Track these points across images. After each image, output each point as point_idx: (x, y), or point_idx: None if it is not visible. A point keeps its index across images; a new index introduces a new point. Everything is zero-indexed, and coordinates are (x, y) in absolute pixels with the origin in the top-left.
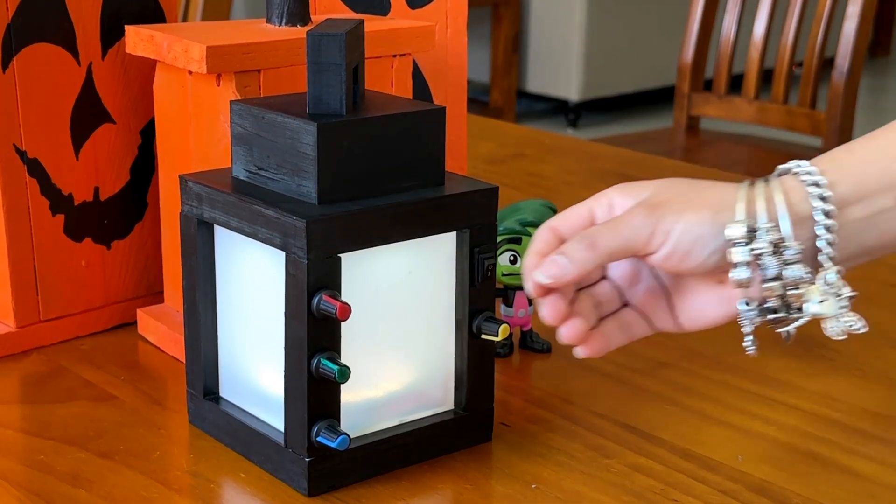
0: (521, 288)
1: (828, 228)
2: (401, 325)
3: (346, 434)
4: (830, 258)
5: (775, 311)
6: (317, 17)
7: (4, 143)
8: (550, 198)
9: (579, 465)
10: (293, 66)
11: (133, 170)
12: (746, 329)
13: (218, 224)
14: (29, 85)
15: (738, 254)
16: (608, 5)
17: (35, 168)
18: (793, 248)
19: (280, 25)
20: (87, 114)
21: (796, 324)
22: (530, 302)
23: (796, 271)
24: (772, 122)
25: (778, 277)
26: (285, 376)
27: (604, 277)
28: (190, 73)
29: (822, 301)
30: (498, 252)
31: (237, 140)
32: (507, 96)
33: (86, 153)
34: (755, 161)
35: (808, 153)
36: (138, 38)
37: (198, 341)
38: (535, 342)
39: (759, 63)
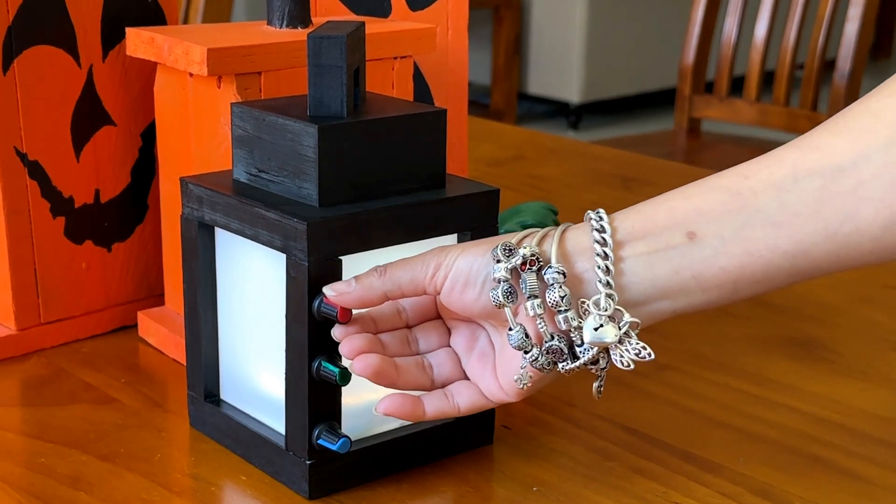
0: None
1: (602, 256)
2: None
3: (346, 437)
4: (604, 284)
5: (561, 354)
6: (317, 20)
7: (5, 146)
8: (551, 200)
9: (580, 468)
10: (294, 69)
11: (134, 172)
12: (525, 376)
13: (219, 226)
14: (29, 87)
15: (498, 270)
16: (609, 7)
17: (36, 170)
18: (554, 269)
19: (281, 27)
20: (88, 116)
21: (581, 360)
22: None
23: (557, 292)
24: (773, 125)
25: (534, 296)
26: (286, 379)
27: (446, 346)
28: (191, 75)
29: (598, 328)
30: None
31: (238, 142)
32: (507, 98)
33: (86, 155)
34: None
35: None
36: (139, 41)
37: (198, 344)
38: None
39: (760, 65)
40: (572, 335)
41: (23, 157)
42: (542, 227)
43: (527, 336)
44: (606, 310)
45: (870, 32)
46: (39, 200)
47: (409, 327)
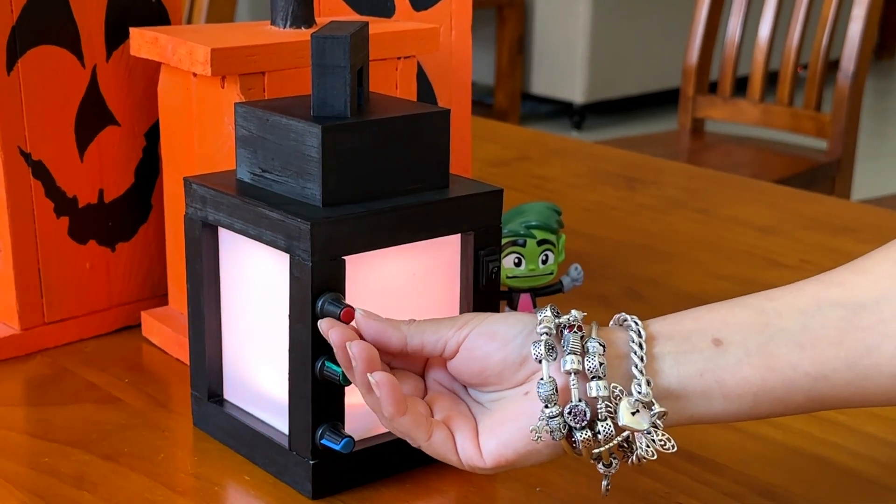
0: (525, 291)
1: (640, 346)
2: None
3: (350, 437)
4: (641, 371)
5: (583, 418)
6: (321, 20)
7: (9, 146)
8: (555, 200)
9: (583, 468)
10: (297, 69)
11: (137, 172)
12: (541, 429)
13: (222, 226)
14: (33, 87)
15: (543, 324)
16: (613, 7)
17: (39, 170)
18: (595, 339)
19: (284, 28)
20: (92, 116)
21: (607, 445)
22: (535, 305)
23: (596, 359)
24: (777, 125)
25: (574, 353)
26: (289, 379)
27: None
28: (194, 75)
29: (633, 413)
30: (502, 255)
31: (241, 142)
32: (511, 98)
33: (90, 155)
34: (760, 163)
35: (813, 155)
36: (143, 41)
37: (202, 344)
38: None
39: (764, 65)
40: (598, 407)
41: (27, 156)
42: (546, 227)
43: (555, 392)
44: (647, 396)
45: (873, 32)
46: (43, 200)
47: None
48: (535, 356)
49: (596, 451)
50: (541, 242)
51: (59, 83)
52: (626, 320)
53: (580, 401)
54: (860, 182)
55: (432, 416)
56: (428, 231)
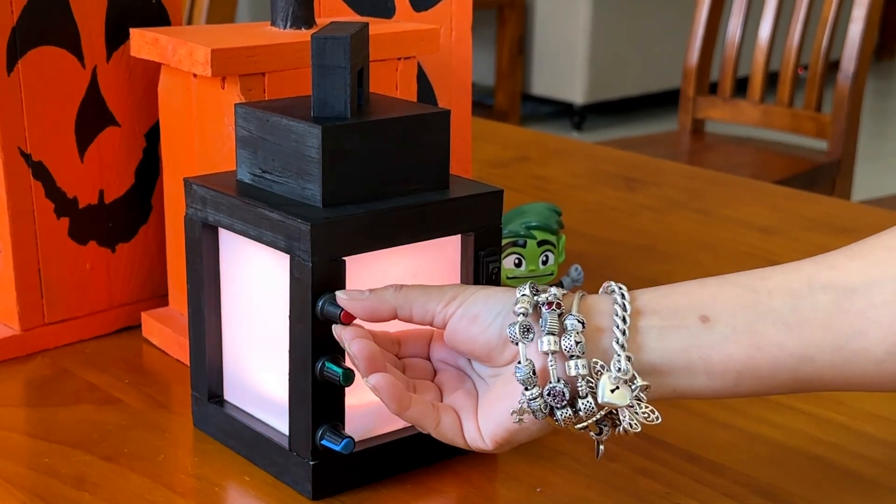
0: None
1: (623, 319)
2: (404, 328)
3: (350, 437)
4: (622, 346)
5: (562, 398)
6: (321, 20)
7: (9, 146)
8: (555, 201)
9: (584, 469)
10: (298, 69)
11: (138, 173)
12: (521, 411)
13: (222, 227)
14: (34, 88)
15: (520, 303)
16: (613, 8)
17: (40, 171)
18: (574, 316)
19: (284, 28)
20: (92, 117)
21: (589, 421)
22: None
23: (573, 337)
24: (777, 125)
25: (552, 333)
26: (289, 379)
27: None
28: (194, 76)
29: (613, 389)
30: (502, 255)
31: (241, 143)
32: (511, 99)
33: (90, 156)
34: (760, 164)
35: (813, 156)
36: (143, 41)
37: (202, 344)
38: None
39: (764, 66)
40: (578, 384)
41: (27, 157)
42: (546, 228)
43: (533, 374)
44: (626, 373)
45: (874, 33)
46: (43, 201)
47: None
48: (511, 338)
49: (579, 426)
50: (541, 243)
51: (59, 84)
52: (613, 291)
53: (558, 380)
54: (860, 183)
55: (442, 398)
56: (428, 232)
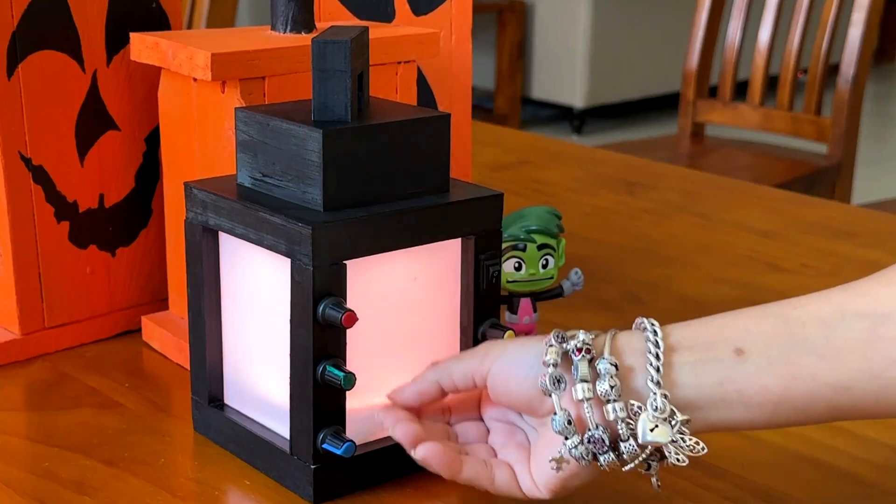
0: (525, 295)
1: (656, 356)
2: (406, 331)
3: (351, 441)
4: (656, 383)
5: (603, 444)
6: (321, 24)
7: (10, 151)
8: (555, 204)
9: None
10: (298, 73)
11: (138, 177)
12: (561, 460)
13: (223, 231)
14: (34, 92)
15: (549, 353)
16: (613, 12)
17: (40, 175)
18: (606, 360)
19: (285, 32)
20: (92, 121)
21: (638, 459)
22: (535, 309)
23: (608, 382)
24: (777, 129)
25: (585, 381)
26: (290, 383)
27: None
28: (195, 80)
29: (653, 428)
30: (502, 259)
31: (242, 147)
32: (511, 103)
33: (91, 160)
34: (760, 167)
35: (813, 160)
36: (143, 46)
37: (202, 348)
38: None
39: (764, 69)
40: (618, 427)
41: (27, 161)
42: (547, 232)
43: (569, 423)
44: (664, 411)
45: (873, 37)
46: (44, 205)
47: (449, 424)
48: (542, 388)
49: (625, 468)
50: (541, 247)
51: (59, 88)
52: (645, 328)
53: (597, 427)
54: (860, 186)
55: (496, 457)
56: (429, 235)
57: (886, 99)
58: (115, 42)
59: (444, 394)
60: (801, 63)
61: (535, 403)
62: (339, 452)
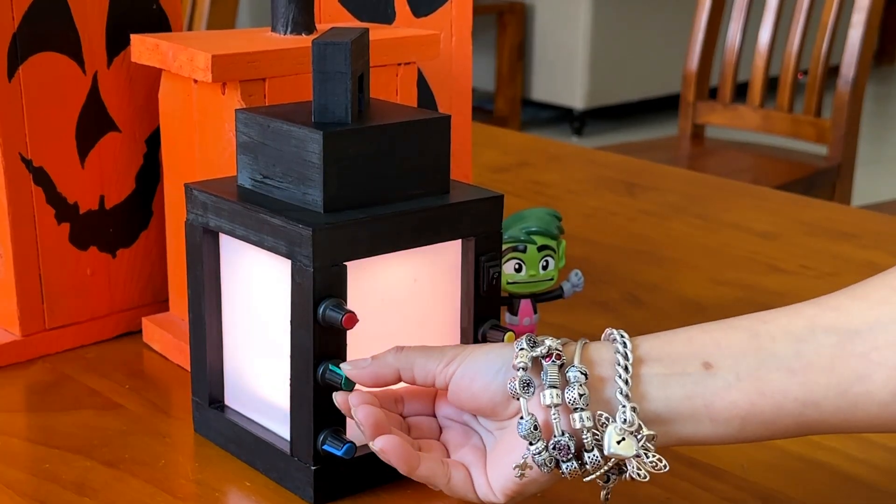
0: (525, 296)
1: (625, 368)
2: (406, 333)
3: (352, 442)
4: (626, 396)
5: (567, 451)
6: (322, 26)
7: (10, 152)
8: (555, 206)
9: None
10: (298, 75)
11: (138, 178)
12: (524, 466)
13: (223, 232)
14: (34, 94)
15: (520, 358)
16: (613, 13)
17: (40, 176)
18: (577, 368)
19: (285, 34)
20: (93, 122)
21: (600, 471)
22: (535, 310)
23: (577, 390)
24: (777, 130)
25: (554, 386)
26: (291, 384)
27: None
28: (195, 81)
29: (619, 441)
30: (503, 260)
31: (242, 148)
32: (511, 104)
33: (91, 162)
34: (760, 169)
35: (813, 161)
36: (144, 47)
37: (203, 349)
38: None
39: (764, 71)
40: (584, 437)
41: (28, 163)
42: (547, 233)
43: (535, 428)
44: (632, 424)
45: (873, 38)
46: (44, 206)
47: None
48: (511, 393)
49: (587, 478)
50: (541, 248)
51: (60, 89)
52: (615, 339)
53: (563, 434)
54: (860, 187)
55: (449, 456)
56: (429, 237)
57: (886, 100)
58: (116, 43)
59: (399, 381)
60: (801, 64)
61: (500, 407)
62: (339, 454)
